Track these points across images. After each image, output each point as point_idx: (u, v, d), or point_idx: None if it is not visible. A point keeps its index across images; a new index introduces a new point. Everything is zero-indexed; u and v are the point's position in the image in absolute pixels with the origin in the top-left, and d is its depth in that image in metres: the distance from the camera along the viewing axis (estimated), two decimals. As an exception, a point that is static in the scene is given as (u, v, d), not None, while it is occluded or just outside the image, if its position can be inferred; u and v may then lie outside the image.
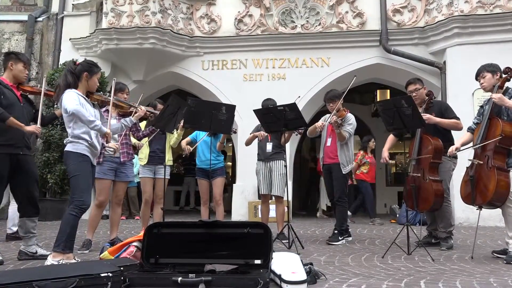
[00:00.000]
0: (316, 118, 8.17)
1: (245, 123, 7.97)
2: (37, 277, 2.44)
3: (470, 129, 4.17)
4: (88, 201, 3.37)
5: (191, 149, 5.31)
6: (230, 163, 12.93)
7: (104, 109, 4.63)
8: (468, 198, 3.92)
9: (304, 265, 3.06)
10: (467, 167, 4.05)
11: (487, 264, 3.61)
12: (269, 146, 5.16)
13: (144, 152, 5.07)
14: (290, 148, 8.05)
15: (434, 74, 7.96)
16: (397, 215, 7.61)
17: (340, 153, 4.99)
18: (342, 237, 4.95)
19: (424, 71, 8.03)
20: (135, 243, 3.18)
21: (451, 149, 4.06)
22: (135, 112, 4.10)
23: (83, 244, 4.38)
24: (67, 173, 3.49)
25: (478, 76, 4.10)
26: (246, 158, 7.59)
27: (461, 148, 4.07)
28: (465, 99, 7.46)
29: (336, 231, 4.99)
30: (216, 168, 5.27)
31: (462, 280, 2.97)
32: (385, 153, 4.92)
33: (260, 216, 5.81)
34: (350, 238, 5.13)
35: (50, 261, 3.16)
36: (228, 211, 7.81)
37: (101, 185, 4.46)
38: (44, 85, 4.05)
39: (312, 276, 2.86)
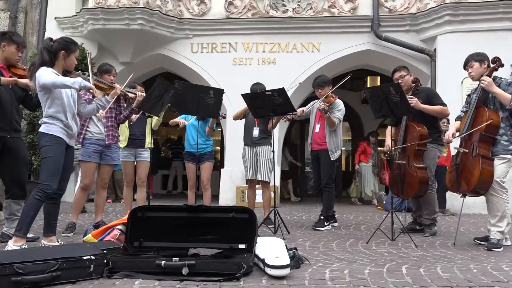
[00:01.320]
0: (305, 103, 8.15)
1: (234, 107, 7.89)
2: (18, 260, 2.41)
3: (458, 118, 4.18)
4: (54, 185, 3.23)
5: (185, 122, 5.23)
6: (218, 148, 12.90)
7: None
8: (453, 185, 3.96)
9: (288, 250, 3.06)
10: (452, 156, 4.08)
11: (469, 250, 3.66)
12: (255, 131, 5.13)
13: (124, 134, 5.02)
14: (278, 134, 8.03)
15: (424, 61, 7.97)
16: (383, 202, 7.67)
17: (329, 139, 4.99)
18: (328, 223, 4.98)
19: (414, 58, 8.03)
20: (119, 226, 3.15)
21: (448, 135, 4.03)
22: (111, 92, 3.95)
23: (67, 227, 4.35)
24: (40, 153, 3.35)
25: (466, 65, 4.10)
26: (235, 143, 7.56)
27: (456, 135, 4.05)
28: (454, 87, 7.49)
29: (322, 217, 5.02)
30: (205, 153, 5.25)
31: (443, 266, 3.01)
32: (388, 141, 4.84)
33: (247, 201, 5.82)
34: (336, 224, 5.17)
35: (11, 246, 3.07)
36: (215, 196, 7.81)
37: (86, 167, 4.41)
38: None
39: (296, 260, 2.87)
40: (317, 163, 5.13)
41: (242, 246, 2.98)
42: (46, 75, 3.18)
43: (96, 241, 3.14)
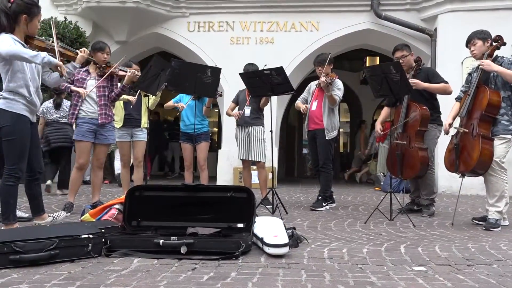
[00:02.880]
0: (304, 83, 8.08)
1: (232, 87, 7.81)
2: (16, 238, 2.39)
3: (458, 99, 4.14)
4: (22, 167, 3.03)
5: (184, 106, 5.12)
6: (216, 129, 12.85)
7: (84, 69, 4.45)
8: (452, 166, 3.94)
9: (287, 229, 3.06)
10: (452, 135, 4.05)
11: (467, 230, 3.67)
12: (247, 110, 5.11)
13: (119, 114, 4.96)
14: (276, 113, 7.98)
15: (425, 41, 7.88)
16: (381, 183, 7.68)
17: (326, 118, 4.94)
18: (326, 203, 4.98)
19: (414, 38, 7.94)
20: (116, 206, 3.13)
21: (445, 127, 4.00)
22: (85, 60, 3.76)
23: (64, 207, 4.32)
24: (0, 133, 3.04)
25: (468, 43, 4.03)
26: (232, 124, 7.45)
27: (454, 124, 4.02)
28: (455, 67, 7.42)
29: (320, 197, 5.01)
30: (201, 133, 5.20)
31: (441, 245, 3.01)
32: (377, 126, 4.88)
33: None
34: (334, 205, 5.17)
35: None
36: (213, 177, 7.80)
37: (80, 147, 4.36)
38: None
39: (294, 239, 2.87)
40: (314, 144, 5.09)
41: (240, 225, 2.98)
42: (4, 43, 2.82)
43: (94, 220, 3.12)
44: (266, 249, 2.61)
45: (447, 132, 4.06)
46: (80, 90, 4.21)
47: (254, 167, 5.56)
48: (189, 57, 8.66)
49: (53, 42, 3.34)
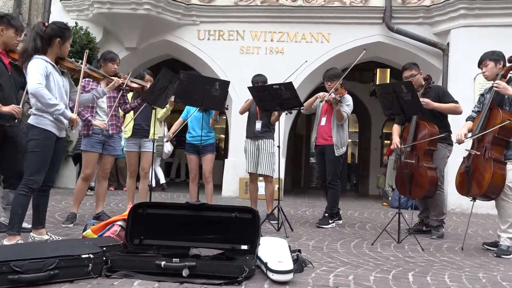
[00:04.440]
0: (313, 94, 8.02)
1: (240, 97, 7.80)
2: (15, 257, 2.34)
3: (470, 118, 4.05)
4: (39, 180, 3.11)
5: (171, 135, 5.19)
6: (223, 135, 12.82)
7: (91, 81, 4.43)
8: (463, 188, 3.85)
9: (292, 251, 2.99)
10: (464, 157, 3.96)
11: (477, 256, 3.57)
12: (258, 125, 5.05)
13: (129, 124, 4.93)
14: (284, 124, 7.92)
15: (437, 55, 7.79)
16: (389, 198, 7.58)
17: (336, 134, 4.88)
18: (332, 220, 4.90)
19: (426, 52, 7.86)
20: (119, 222, 3.08)
21: (460, 135, 3.86)
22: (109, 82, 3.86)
23: (67, 218, 4.29)
24: (27, 146, 3.18)
25: (480, 64, 3.95)
26: (239, 133, 7.45)
27: (468, 136, 3.90)
28: (467, 83, 7.34)
29: (326, 214, 4.93)
30: (207, 144, 5.15)
31: (451, 274, 2.92)
32: (396, 139, 4.64)
33: (250, 193, 5.72)
34: (340, 222, 5.09)
35: (6, 244, 2.99)
36: (218, 185, 7.74)
37: (88, 157, 4.34)
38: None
39: (299, 264, 2.79)
40: (322, 159, 5.02)
41: (244, 247, 2.91)
42: (35, 80, 3.00)
43: (96, 236, 3.08)
44: (270, 275, 2.53)
45: (460, 142, 3.87)
46: (101, 124, 4.19)
47: (261, 178, 5.49)
48: (198, 65, 8.65)
49: (81, 63, 3.49)
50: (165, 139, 7.17)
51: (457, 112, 4.41)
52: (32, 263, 2.34)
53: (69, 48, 3.35)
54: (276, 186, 5.11)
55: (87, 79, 3.92)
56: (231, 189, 8.09)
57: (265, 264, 2.61)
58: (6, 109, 3.57)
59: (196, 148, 5.17)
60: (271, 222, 4.55)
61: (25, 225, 3.78)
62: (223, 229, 2.97)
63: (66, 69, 3.40)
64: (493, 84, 3.74)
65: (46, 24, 3.23)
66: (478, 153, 3.75)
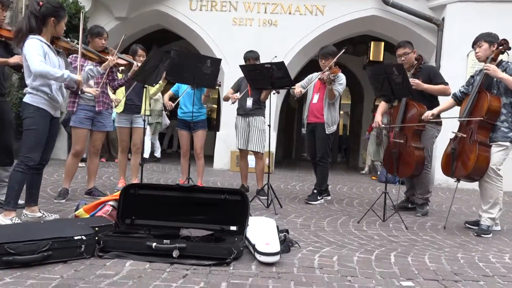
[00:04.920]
0: (306, 69, 7.98)
1: (233, 69, 7.74)
2: (9, 239, 2.40)
3: (454, 96, 4.11)
4: (35, 158, 3.18)
5: (173, 105, 5.17)
6: (215, 106, 12.79)
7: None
8: (448, 170, 3.94)
9: (279, 231, 3.10)
10: (450, 139, 4.04)
11: (458, 235, 3.70)
12: (249, 102, 5.09)
13: (121, 99, 4.92)
14: (277, 98, 7.92)
15: (431, 30, 7.75)
16: (378, 172, 7.71)
17: (327, 112, 4.92)
18: (321, 197, 5.01)
19: (421, 27, 7.82)
20: (110, 202, 3.15)
21: (427, 114, 4.01)
22: (103, 61, 3.87)
23: (59, 193, 4.34)
24: (22, 124, 3.24)
25: (474, 44, 3.96)
26: (231, 107, 7.39)
27: (439, 116, 4.01)
28: (460, 59, 7.35)
29: (315, 191, 5.04)
30: (198, 120, 5.17)
31: (431, 254, 3.04)
32: (378, 118, 4.79)
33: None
34: (329, 198, 5.21)
35: (2, 220, 3.07)
36: (210, 157, 7.80)
37: (77, 134, 4.36)
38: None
39: (286, 245, 2.89)
40: (312, 137, 5.08)
41: (233, 228, 3.00)
42: (37, 61, 3.04)
43: (88, 216, 3.15)
44: (258, 256, 2.63)
45: (426, 120, 4.11)
46: (92, 91, 4.16)
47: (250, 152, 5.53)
48: (190, 37, 8.54)
49: (77, 43, 3.48)
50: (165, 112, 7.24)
51: (446, 93, 4.46)
52: (26, 245, 2.40)
53: (64, 28, 3.32)
54: (267, 160, 5.17)
55: (74, 55, 3.88)
56: (223, 161, 8.17)
57: (253, 246, 2.71)
58: (13, 60, 3.64)
59: (187, 124, 5.20)
60: (261, 198, 4.65)
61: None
62: (213, 210, 3.05)
63: (61, 49, 3.40)
64: (483, 66, 3.77)
65: (41, 3, 3.19)
66: (464, 135, 3.83)
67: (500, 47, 3.85)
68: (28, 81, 3.19)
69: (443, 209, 4.99)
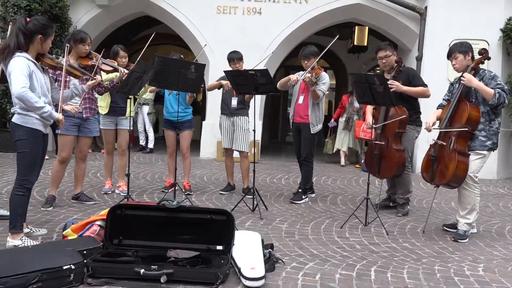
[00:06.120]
0: (291, 55, 7.92)
1: (217, 59, 7.71)
2: (-2, 274, 2.44)
3: (440, 106, 4.17)
4: (33, 179, 3.21)
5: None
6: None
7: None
8: (427, 176, 4.05)
9: (264, 246, 3.20)
10: (430, 145, 4.13)
11: (436, 241, 3.85)
12: (234, 101, 5.13)
13: (106, 100, 4.89)
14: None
15: (414, 19, 7.75)
16: (362, 161, 7.83)
17: (311, 112, 4.97)
18: (305, 196, 5.12)
19: (404, 15, 7.81)
20: (98, 222, 3.19)
21: (428, 124, 4.00)
22: (90, 78, 3.84)
23: (46, 201, 4.36)
24: (14, 146, 3.20)
25: (449, 56, 4.00)
26: (216, 96, 7.41)
27: (435, 126, 4.04)
28: (442, 48, 7.29)
29: (300, 190, 5.14)
30: (184, 121, 5.18)
31: (409, 267, 3.18)
32: (369, 119, 4.84)
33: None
34: (313, 195, 5.33)
35: (11, 241, 3.13)
36: (196, 141, 7.79)
37: (63, 141, 4.34)
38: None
39: (271, 264, 3.00)
40: (298, 135, 5.15)
41: (219, 247, 3.08)
42: (19, 83, 2.96)
43: (76, 236, 3.19)
44: (243, 280, 2.73)
45: (428, 130, 4.03)
46: (71, 108, 4.01)
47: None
48: (174, 24, 8.39)
49: (62, 59, 3.45)
50: None
51: (425, 95, 4.54)
52: (14, 279, 2.45)
53: (50, 45, 3.28)
54: (253, 150, 5.19)
55: (58, 72, 3.82)
56: (209, 151, 8.21)
57: (239, 270, 2.80)
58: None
59: (173, 124, 5.21)
60: (247, 196, 4.72)
61: (3, 212, 3.89)
62: (199, 230, 3.12)
63: (47, 66, 3.36)
64: (460, 77, 3.83)
65: (28, 19, 3.13)
66: (444, 143, 3.92)
67: (480, 57, 3.90)
68: (15, 100, 3.10)
69: (424, 206, 5.15)
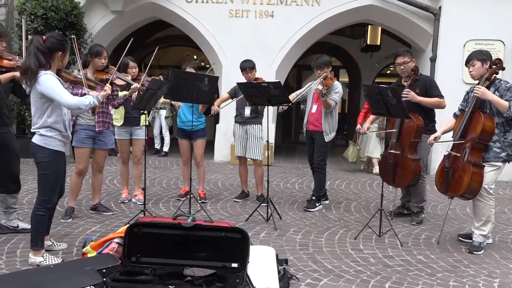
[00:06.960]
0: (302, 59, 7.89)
1: (230, 62, 7.76)
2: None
3: (455, 116, 4.15)
4: (54, 199, 3.31)
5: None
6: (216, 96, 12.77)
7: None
8: (442, 187, 4.04)
9: (279, 261, 3.25)
10: (444, 155, 4.11)
11: (451, 252, 3.85)
12: (247, 111, 5.19)
13: (120, 112, 4.98)
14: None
15: (428, 19, 7.66)
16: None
17: (324, 121, 5.00)
18: (319, 203, 5.15)
19: (417, 16, 7.73)
20: (116, 240, 3.26)
21: (431, 138, 4.07)
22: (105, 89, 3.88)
23: (65, 213, 4.47)
24: (36, 166, 3.26)
25: (467, 63, 3.97)
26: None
27: (440, 139, 4.08)
28: (456, 49, 7.32)
29: (313, 197, 5.17)
30: (197, 130, 5.25)
31: (424, 283, 3.19)
32: (366, 124, 4.95)
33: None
34: (327, 202, 5.35)
35: (33, 258, 3.23)
36: (210, 141, 7.85)
37: (79, 153, 4.44)
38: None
39: (285, 281, 3.05)
40: (312, 143, 5.18)
41: (234, 265, 3.13)
42: (68, 96, 3.10)
43: (96, 253, 3.27)
44: (258, 300, 2.78)
45: (430, 144, 4.17)
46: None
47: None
48: (187, 29, 8.45)
49: (77, 74, 3.51)
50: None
51: (441, 107, 4.52)
52: (37, 303, 2.54)
53: (67, 59, 3.35)
54: (267, 153, 5.24)
55: (76, 85, 3.91)
56: (223, 154, 8.28)
57: (254, 289, 2.85)
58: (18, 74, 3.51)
59: (187, 133, 5.29)
60: (262, 204, 4.76)
61: (24, 225, 4.00)
62: (215, 247, 3.17)
63: (66, 81, 3.43)
64: (474, 88, 3.80)
65: (44, 37, 3.18)
66: (458, 154, 3.90)
67: (494, 67, 3.86)
68: (37, 120, 3.16)
69: (438, 212, 5.14)
